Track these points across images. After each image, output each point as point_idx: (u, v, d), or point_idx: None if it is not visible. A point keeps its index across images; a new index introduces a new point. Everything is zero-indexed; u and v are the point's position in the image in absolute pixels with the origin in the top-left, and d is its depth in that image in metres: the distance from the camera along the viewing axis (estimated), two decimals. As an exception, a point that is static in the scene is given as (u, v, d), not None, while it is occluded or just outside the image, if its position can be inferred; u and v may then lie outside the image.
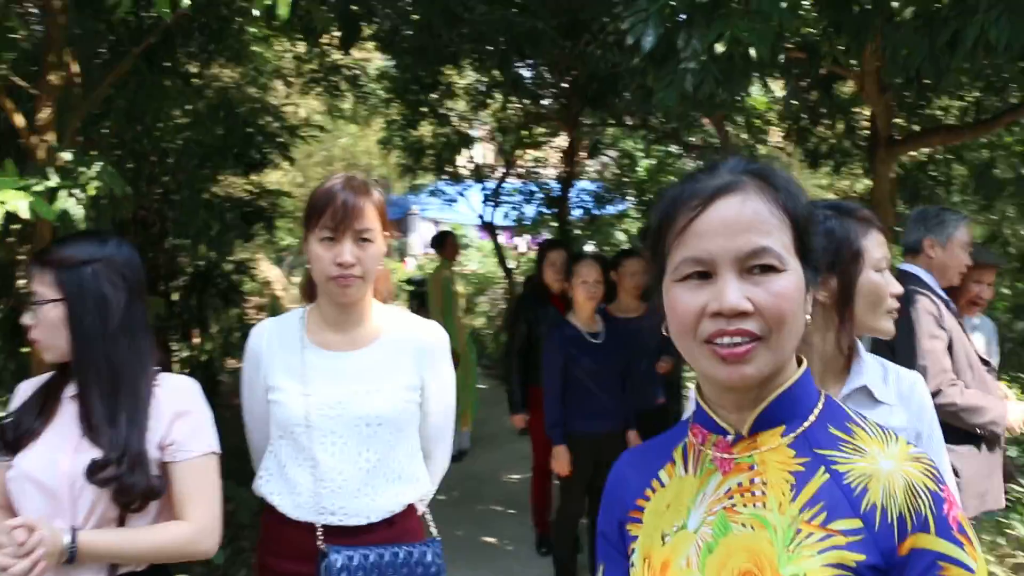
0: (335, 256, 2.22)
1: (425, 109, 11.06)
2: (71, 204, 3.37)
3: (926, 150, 6.25)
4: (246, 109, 6.99)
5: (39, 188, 3.09)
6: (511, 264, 14.03)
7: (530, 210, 13.30)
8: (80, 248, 2.04)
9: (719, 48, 3.52)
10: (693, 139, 8.43)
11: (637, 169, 11.89)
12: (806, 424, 1.16)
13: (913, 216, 3.73)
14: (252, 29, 7.97)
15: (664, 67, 3.90)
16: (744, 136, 7.69)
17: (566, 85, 9.10)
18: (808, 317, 1.14)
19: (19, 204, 2.69)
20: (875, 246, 1.93)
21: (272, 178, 10.82)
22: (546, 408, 4.59)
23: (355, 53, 9.34)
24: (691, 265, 1.13)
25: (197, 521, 2.02)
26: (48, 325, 2.00)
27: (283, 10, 2.76)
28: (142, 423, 1.99)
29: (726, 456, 1.19)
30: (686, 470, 1.25)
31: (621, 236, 12.36)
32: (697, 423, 1.25)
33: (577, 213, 12.31)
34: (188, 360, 8.99)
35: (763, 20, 3.54)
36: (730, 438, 1.19)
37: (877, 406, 1.96)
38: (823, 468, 1.12)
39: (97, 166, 3.58)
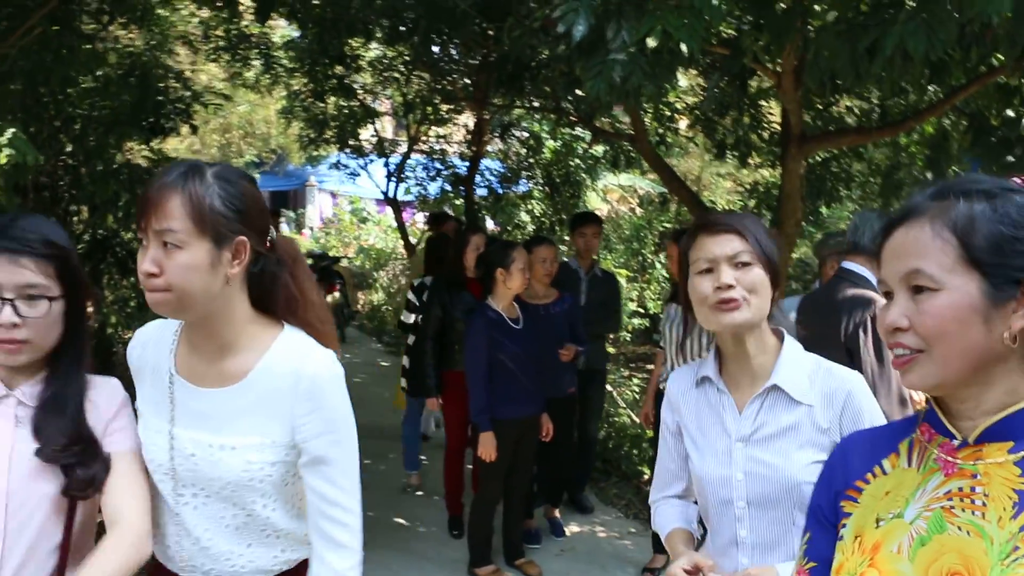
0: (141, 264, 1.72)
1: (331, 81, 10.89)
2: (-19, 171, 3.25)
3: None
4: (156, 75, 6.77)
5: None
6: (413, 240, 13.98)
7: (434, 187, 13.28)
8: (57, 233, 1.89)
9: (651, 42, 3.58)
10: (603, 125, 8.51)
11: (543, 151, 11.97)
12: None
13: (858, 217, 3.94)
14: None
15: (592, 57, 3.95)
16: (655, 124, 7.82)
17: (475, 63, 9.09)
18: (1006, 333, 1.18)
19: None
20: None
21: (169, 145, 10.50)
22: (472, 394, 4.62)
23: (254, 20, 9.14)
24: (882, 286, 1.29)
25: (136, 523, 1.83)
26: (49, 322, 1.85)
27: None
28: (87, 411, 1.92)
29: (950, 459, 1.25)
30: (909, 463, 1.32)
31: (525, 217, 12.44)
32: (927, 421, 1.32)
33: (481, 192, 12.33)
34: (81, 330, 8.69)
35: (694, 16, 3.62)
36: (956, 443, 1.25)
37: (795, 407, 1.94)
38: None
39: (9, 132, 3.45)
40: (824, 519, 1.42)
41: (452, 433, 5.49)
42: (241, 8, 7.65)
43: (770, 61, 4.64)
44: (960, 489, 1.21)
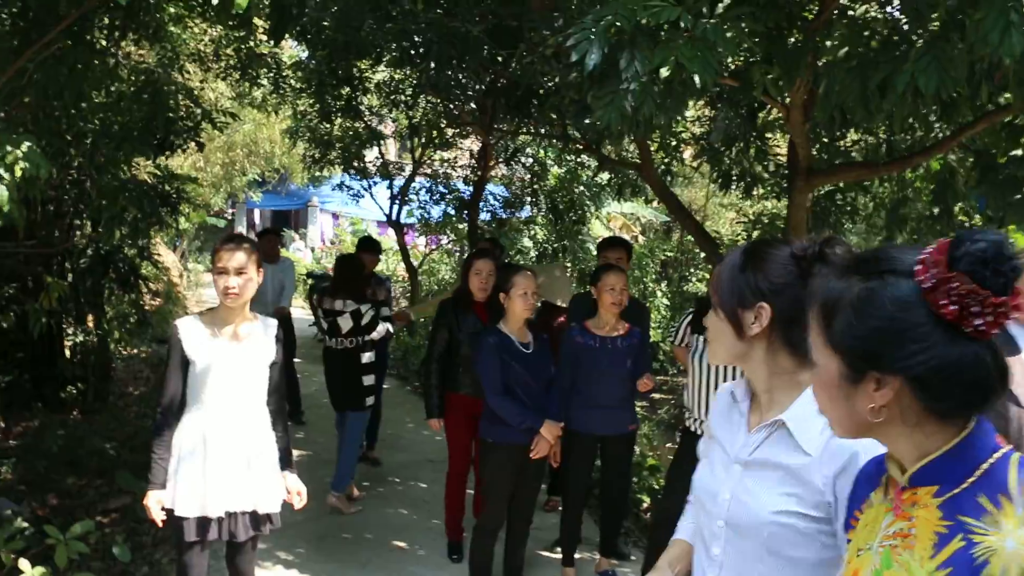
0: None
1: (338, 103, 10.95)
2: (-2, 185, 3.26)
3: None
4: (167, 92, 6.81)
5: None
6: (414, 262, 14.02)
7: (436, 211, 13.34)
8: None
9: (664, 72, 3.60)
10: (610, 153, 8.57)
11: (548, 177, 12.03)
12: (957, 490, 1.23)
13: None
14: (170, 9, 7.79)
15: (604, 86, 3.97)
16: (660, 153, 7.85)
17: (482, 88, 9.14)
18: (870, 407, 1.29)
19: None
20: None
21: (174, 162, 10.55)
22: (501, 411, 4.54)
23: (269, 39, 9.21)
24: None
25: None
26: None
27: (242, 1, 2.71)
28: None
29: (897, 501, 1.32)
30: (884, 498, 1.39)
31: (528, 242, 12.48)
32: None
33: (484, 217, 12.38)
34: (83, 344, 8.69)
35: (707, 48, 3.65)
36: (901, 485, 1.32)
37: (795, 450, 1.83)
38: (961, 535, 1.19)
39: (24, 146, 3.46)
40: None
41: (454, 456, 5.47)
42: (253, 27, 7.70)
43: (779, 94, 4.66)
44: (900, 529, 1.29)
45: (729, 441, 2.00)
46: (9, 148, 3.43)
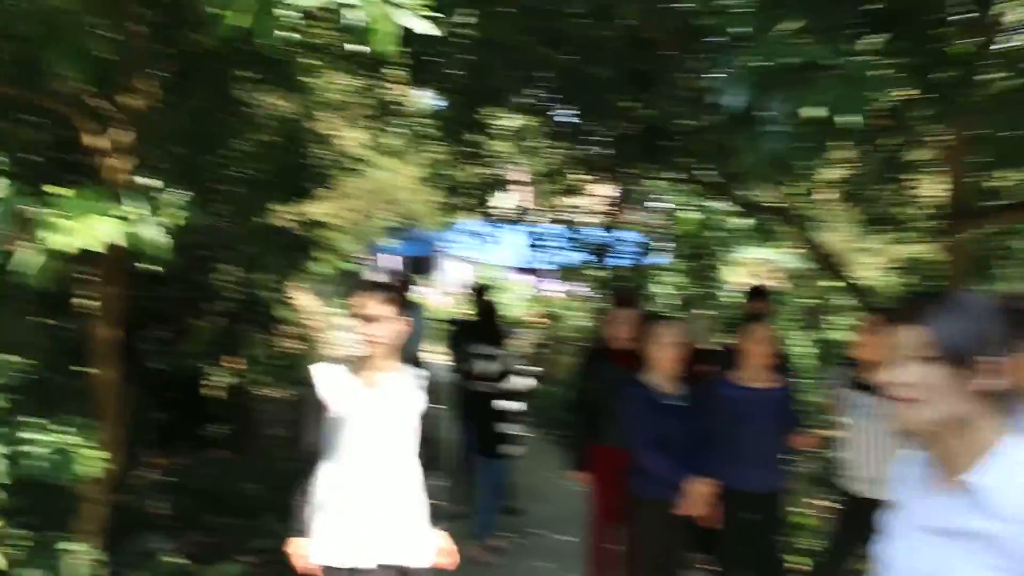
0: None
1: (468, 149, 11.06)
2: (153, 230, 3.36)
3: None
4: (305, 140, 7.03)
5: (129, 215, 3.06)
6: (546, 309, 13.97)
7: (569, 257, 13.28)
8: None
9: (811, 113, 3.46)
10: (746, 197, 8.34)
11: (681, 223, 11.83)
12: None
13: None
14: (307, 60, 8.04)
15: (747, 128, 3.85)
16: (799, 197, 7.60)
17: (613, 133, 9.07)
18: None
19: (114, 231, 2.65)
20: None
21: (312, 209, 10.82)
22: (649, 466, 4.42)
23: (399, 87, 9.39)
24: None
25: None
26: None
27: (389, 47, 2.71)
28: None
29: None
30: None
31: (661, 289, 12.27)
32: None
33: (618, 263, 12.24)
34: (229, 386, 8.97)
35: (856, 86, 3.49)
36: None
37: (991, 517, 1.64)
38: None
39: (179, 193, 3.58)
40: None
41: (600, 510, 5.33)
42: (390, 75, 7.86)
43: (935, 133, 4.43)
44: None
45: (918, 509, 1.82)
46: (166, 197, 3.55)
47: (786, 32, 3.63)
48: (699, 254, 11.70)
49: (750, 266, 15.11)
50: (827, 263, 5.92)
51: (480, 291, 7.24)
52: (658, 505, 4.51)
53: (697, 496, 4.47)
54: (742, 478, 4.72)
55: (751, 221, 9.96)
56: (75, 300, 4.21)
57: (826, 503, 7.54)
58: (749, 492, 4.77)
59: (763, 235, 9.61)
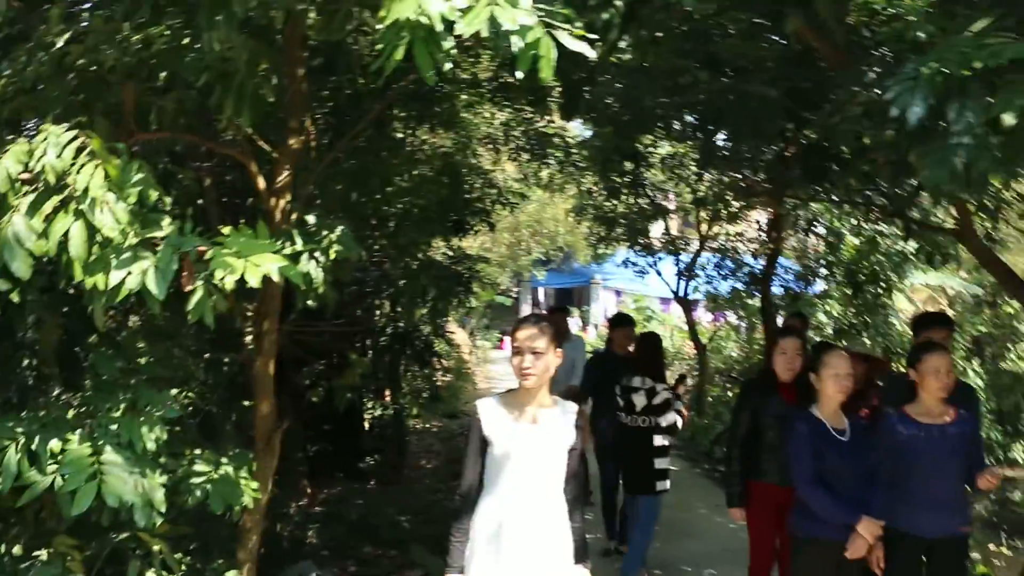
0: None
1: (622, 179, 10.94)
2: (312, 266, 3.37)
3: None
4: (463, 175, 7.10)
5: (288, 251, 3.07)
6: (701, 340, 13.66)
7: (724, 286, 12.97)
8: None
9: (1007, 121, 3.15)
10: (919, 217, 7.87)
11: (843, 248, 11.34)
12: None
13: None
14: (462, 96, 8.13)
15: (930, 142, 3.56)
16: (980, 216, 7.10)
17: (770, 157, 8.76)
18: None
19: (272, 268, 2.64)
20: None
21: (465, 243, 10.95)
22: (814, 503, 4.13)
23: (553, 120, 9.39)
24: None
25: None
26: None
27: (546, 72, 2.60)
28: None
29: None
30: None
31: (823, 318, 11.76)
32: None
33: (776, 291, 11.83)
34: (381, 418, 9.10)
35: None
36: None
37: None
38: None
39: (338, 230, 3.58)
40: None
41: (757, 549, 5.04)
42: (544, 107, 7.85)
43: None
44: None
45: None
46: (324, 232, 3.56)
47: (970, 33, 3.35)
48: (866, 280, 11.15)
49: (921, 292, 14.36)
50: (1017, 287, 5.44)
51: (619, 321, 7.02)
52: (820, 545, 4.20)
53: (865, 538, 4.13)
54: (915, 521, 4.33)
55: (922, 244, 9.40)
56: (235, 336, 4.28)
57: (1008, 551, 7.00)
58: (920, 537, 4.37)
59: (936, 259, 9.05)
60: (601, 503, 7.31)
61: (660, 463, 5.92)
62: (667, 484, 6.00)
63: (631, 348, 6.67)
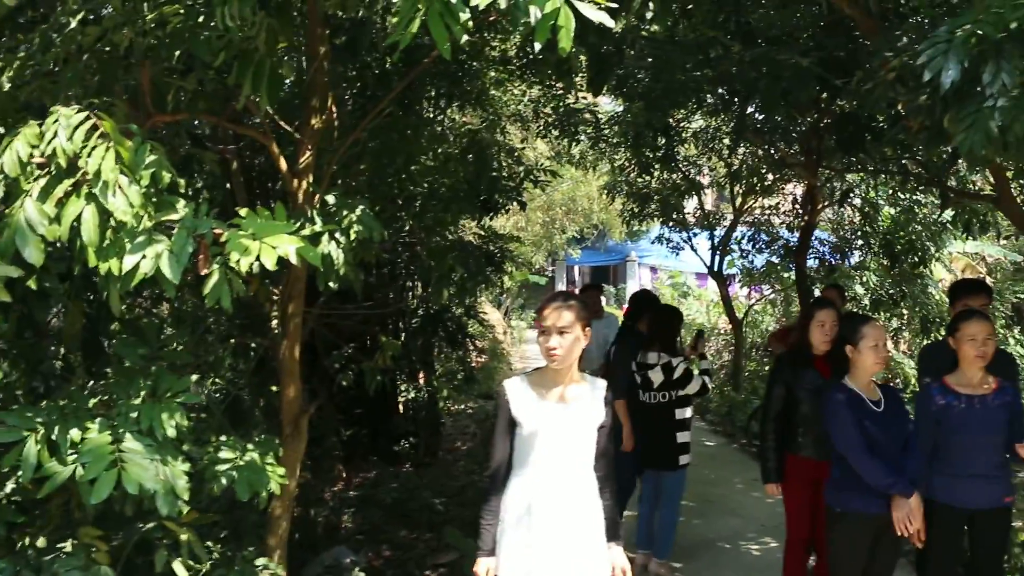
0: None
1: (655, 154, 10.80)
2: (332, 248, 3.33)
3: None
4: (491, 153, 7.02)
5: (306, 232, 3.03)
6: (737, 314, 13.52)
7: (759, 259, 12.82)
8: None
9: (1042, 81, 3.04)
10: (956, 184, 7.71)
11: (879, 218, 11.14)
12: None
13: None
14: (490, 73, 8.05)
15: (964, 105, 3.45)
16: (1019, 182, 6.93)
17: (804, 128, 8.60)
18: None
19: (289, 249, 2.60)
20: None
21: (497, 222, 10.89)
22: (863, 470, 4.03)
23: (584, 96, 9.27)
24: None
25: None
26: None
27: (565, 43, 2.53)
28: None
29: None
30: None
31: (859, 289, 11.58)
32: None
33: (811, 263, 11.65)
34: (414, 400, 9.07)
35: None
36: None
37: None
38: None
39: (359, 210, 3.54)
40: None
41: (794, 523, 4.96)
42: (572, 83, 7.75)
43: None
44: None
45: None
46: (345, 212, 3.52)
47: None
48: (902, 250, 10.95)
49: (959, 261, 14.11)
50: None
51: (642, 299, 6.88)
52: (857, 518, 4.12)
53: (906, 509, 4.04)
54: (955, 493, 4.24)
55: (959, 212, 9.20)
56: (263, 320, 4.26)
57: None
58: (961, 509, 4.28)
59: (974, 226, 8.85)
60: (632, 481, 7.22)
61: (682, 437, 5.84)
62: (689, 458, 5.93)
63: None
